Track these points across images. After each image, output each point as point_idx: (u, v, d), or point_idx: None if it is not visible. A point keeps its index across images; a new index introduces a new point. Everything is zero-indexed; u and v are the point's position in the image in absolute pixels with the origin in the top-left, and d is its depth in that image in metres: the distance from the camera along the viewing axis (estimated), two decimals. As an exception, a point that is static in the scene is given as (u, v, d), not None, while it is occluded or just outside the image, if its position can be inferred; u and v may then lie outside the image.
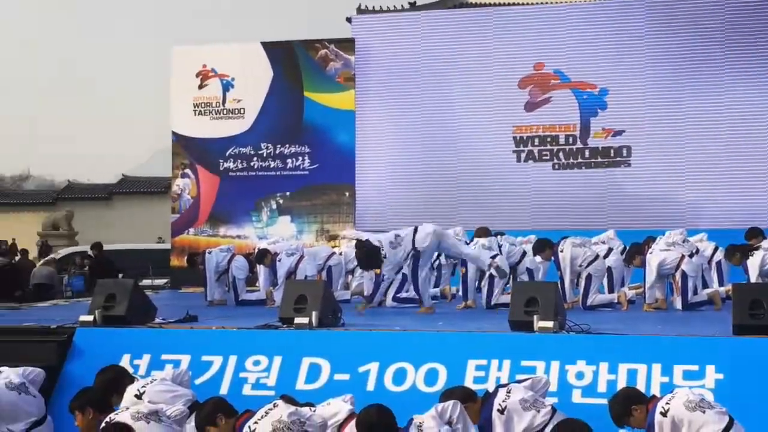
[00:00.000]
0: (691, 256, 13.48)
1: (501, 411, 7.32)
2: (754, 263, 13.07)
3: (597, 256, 13.98)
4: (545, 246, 14.39)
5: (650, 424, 6.84)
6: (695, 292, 13.44)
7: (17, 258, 23.50)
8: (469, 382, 9.17)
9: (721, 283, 14.56)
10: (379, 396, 8.59)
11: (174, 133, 21.69)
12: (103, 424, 6.98)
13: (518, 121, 19.90)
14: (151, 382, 7.88)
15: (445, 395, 7.37)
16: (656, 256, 13.43)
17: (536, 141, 19.81)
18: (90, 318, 11.23)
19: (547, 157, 19.72)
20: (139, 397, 7.58)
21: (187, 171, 21.57)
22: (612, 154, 19.49)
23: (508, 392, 7.47)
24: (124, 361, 10.18)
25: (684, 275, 13.23)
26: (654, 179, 19.11)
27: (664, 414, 6.79)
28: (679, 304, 13.33)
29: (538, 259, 14.59)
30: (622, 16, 19.57)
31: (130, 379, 8.14)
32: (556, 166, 19.66)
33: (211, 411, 7.06)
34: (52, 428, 8.52)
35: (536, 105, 19.82)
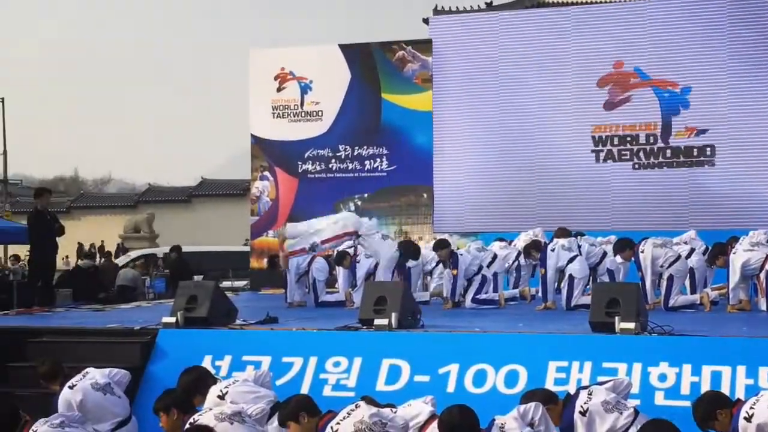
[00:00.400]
0: (775, 256, 13.29)
1: (583, 413, 7.29)
2: None
3: (679, 257, 13.81)
4: (626, 246, 14.28)
5: (735, 429, 6.76)
6: (780, 293, 13.24)
7: (102, 260, 23.89)
8: (549, 384, 9.16)
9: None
10: (459, 397, 8.63)
11: (253, 136, 21.87)
12: (186, 426, 7.10)
13: (597, 120, 19.72)
14: (234, 383, 7.99)
15: (527, 397, 7.37)
16: (740, 256, 13.24)
17: (616, 141, 19.62)
18: (172, 320, 11.42)
19: (627, 157, 19.52)
20: (221, 397, 7.69)
21: (266, 173, 21.75)
22: (695, 154, 19.19)
23: (590, 394, 7.43)
24: (206, 362, 10.34)
25: (769, 276, 13.04)
26: (738, 178, 18.76)
27: (748, 419, 6.70)
28: (764, 305, 13.14)
29: (619, 259, 14.49)
30: (703, 12, 19.25)
31: (213, 380, 8.27)
32: (637, 166, 19.44)
33: (294, 408, 7.14)
34: (137, 428, 8.67)
35: (616, 104, 19.63)
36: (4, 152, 45.36)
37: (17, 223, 24.25)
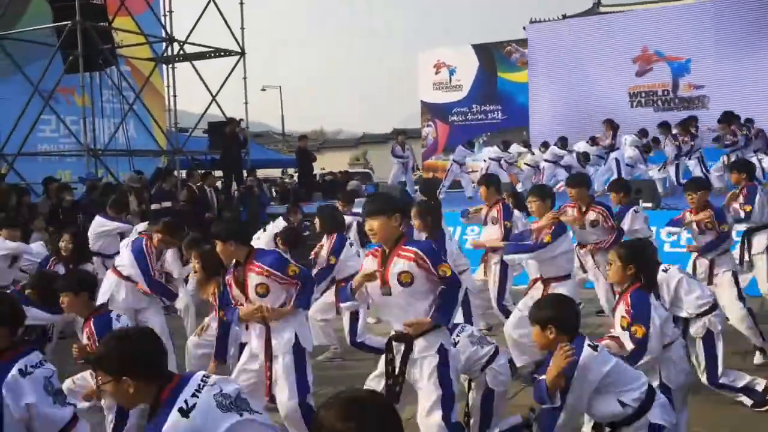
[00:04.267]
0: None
1: None
2: None
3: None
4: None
5: None
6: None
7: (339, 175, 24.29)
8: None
9: None
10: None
11: (421, 101, 22.10)
12: None
13: (631, 83, 18.92)
14: None
15: None
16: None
17: (643, 95, 18.80)
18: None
19: (651, 104, 18.70)
20: None
21: (430, 123, 22.02)
22: (696, 102, 18.23)
23: None
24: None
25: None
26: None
27: None
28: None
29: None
30: (696, 11, 18.22)
31: None
32: (656, 109, 18.62)
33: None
34: None
35: (643, 72, 18.77)
36: (282, 117, 46.98)
37: (290, 156, 25.52)
